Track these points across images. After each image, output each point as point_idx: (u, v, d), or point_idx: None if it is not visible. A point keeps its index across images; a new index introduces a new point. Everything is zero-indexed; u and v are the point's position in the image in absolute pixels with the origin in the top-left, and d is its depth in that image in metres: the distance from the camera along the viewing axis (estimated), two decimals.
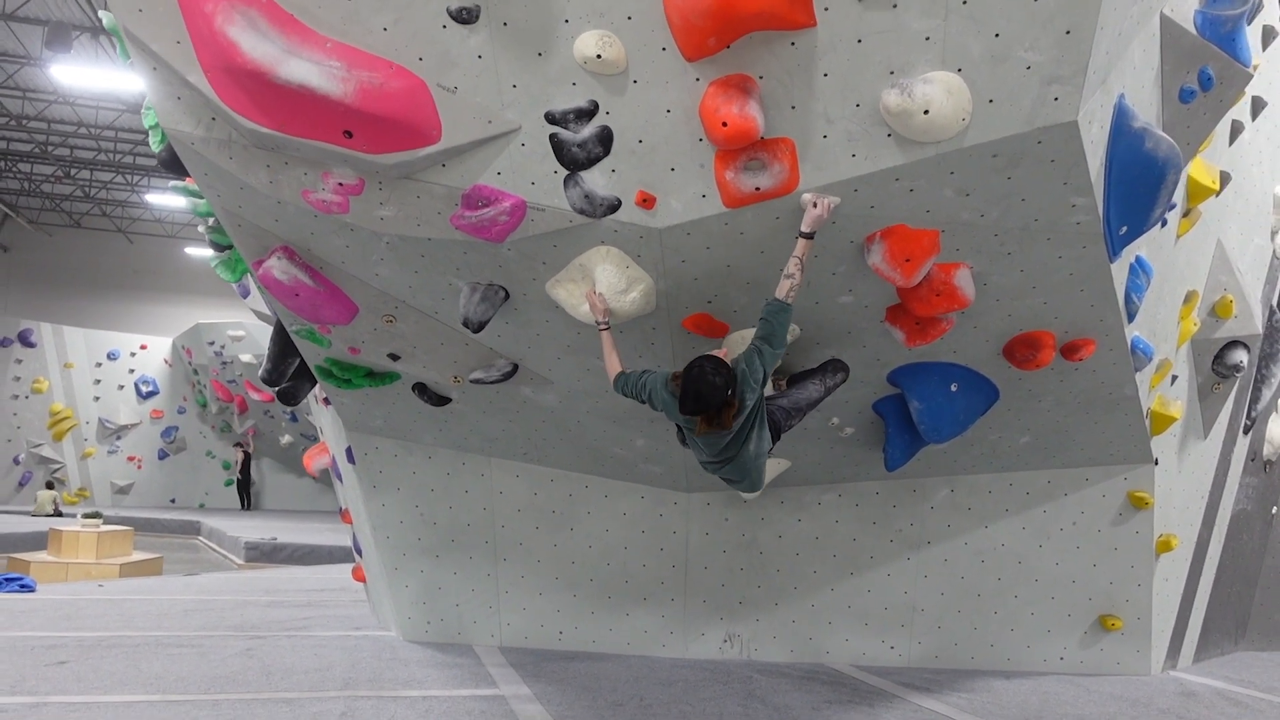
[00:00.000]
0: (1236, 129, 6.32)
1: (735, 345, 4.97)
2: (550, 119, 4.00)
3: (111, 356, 24.78)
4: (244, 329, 22.30)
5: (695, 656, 6.59)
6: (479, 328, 4.82)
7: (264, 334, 21.30)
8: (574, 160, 4.07)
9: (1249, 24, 5.43)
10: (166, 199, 29.13)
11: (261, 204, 4.58)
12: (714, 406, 4.27)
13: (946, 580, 6.50)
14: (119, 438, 24.68)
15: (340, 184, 4.28)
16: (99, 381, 24.66)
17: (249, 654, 6.23)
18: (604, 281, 4.46)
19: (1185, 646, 7.01)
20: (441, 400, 5.95)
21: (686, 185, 4.09)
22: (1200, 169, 5.67)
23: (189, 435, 25.35)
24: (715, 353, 4.38)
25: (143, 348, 25.16)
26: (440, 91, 3.97)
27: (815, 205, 4.02)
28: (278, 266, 4.85)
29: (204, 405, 25.00)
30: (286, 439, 24.03)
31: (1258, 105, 6.64)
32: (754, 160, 3.96)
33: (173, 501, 24.89)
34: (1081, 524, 6.38)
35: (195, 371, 24.31)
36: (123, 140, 24.92)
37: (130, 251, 31.58)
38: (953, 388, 5.23)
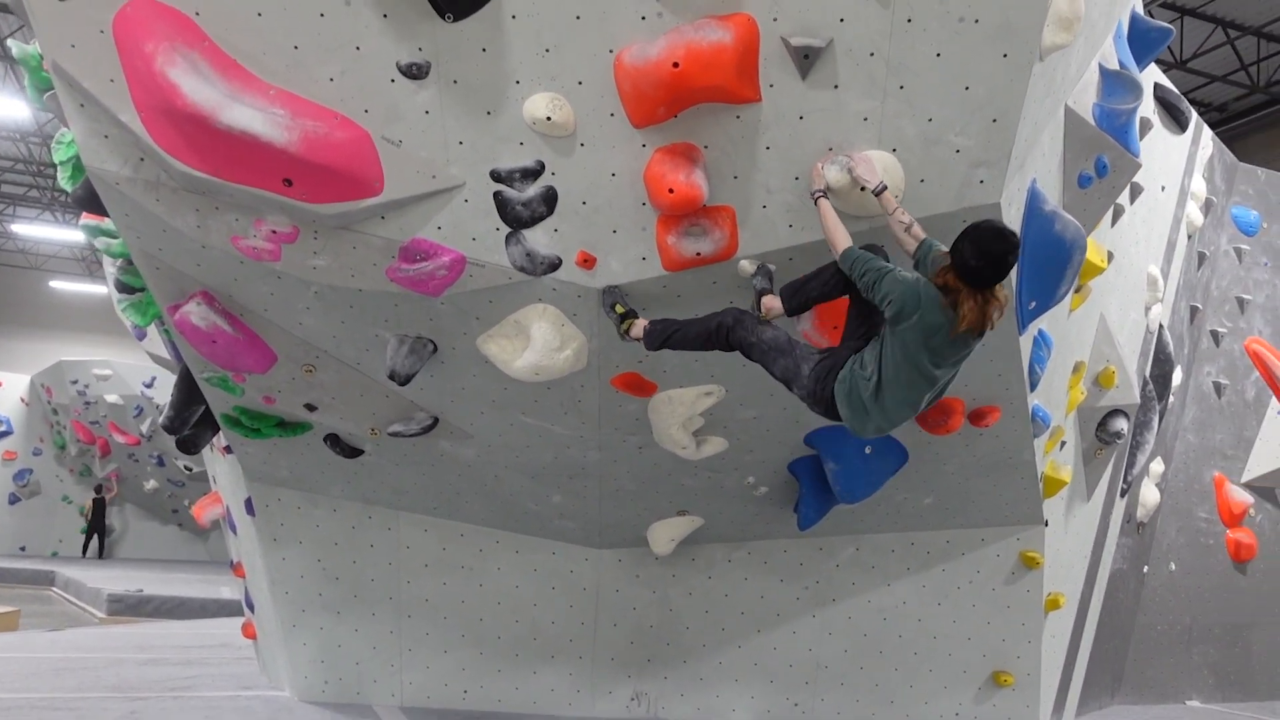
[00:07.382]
0: (1118, 211, 6.76)
1: (660, 406, 5.04)
2: (496, 177, 4.03)
3: None
4: (110, 368, 21.28)
5: (602, 715, 6.53)
6: (405, 380, 4.76)
7: (133, 374, 20.76)
8: (517, 218, 4.10)
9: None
10: (32, 229, 27.84)
11: (184, 247, 4.44)
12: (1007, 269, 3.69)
13: (850, 638, 6.63)
14: None
15: (274, 231, 4.19)
16: None
17: (133, 716, 5.89)
18: (540, 339, 4.47)
19: (1069, 701, 7.31)
20: (354, 452, 5.81)
21: (628, 247, 4.16)
22: (1092, 249, 6.03)
23: (44, 479, 23.90)
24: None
25: None
26: (385, 144, 3.95)
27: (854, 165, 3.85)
28: (196, 312, 4.69)
29: (62, 447, 23.65)
30: (151, 484, 22.91)
31: (1135, 190, 7.12)
32: (695, 226, 4.06)
33: (22, 549, 23.35)
34: (977, 582, 6.61)
35: (55, 411, 23.01)
36: None
37: None
38: (867, 450, 5.40)
